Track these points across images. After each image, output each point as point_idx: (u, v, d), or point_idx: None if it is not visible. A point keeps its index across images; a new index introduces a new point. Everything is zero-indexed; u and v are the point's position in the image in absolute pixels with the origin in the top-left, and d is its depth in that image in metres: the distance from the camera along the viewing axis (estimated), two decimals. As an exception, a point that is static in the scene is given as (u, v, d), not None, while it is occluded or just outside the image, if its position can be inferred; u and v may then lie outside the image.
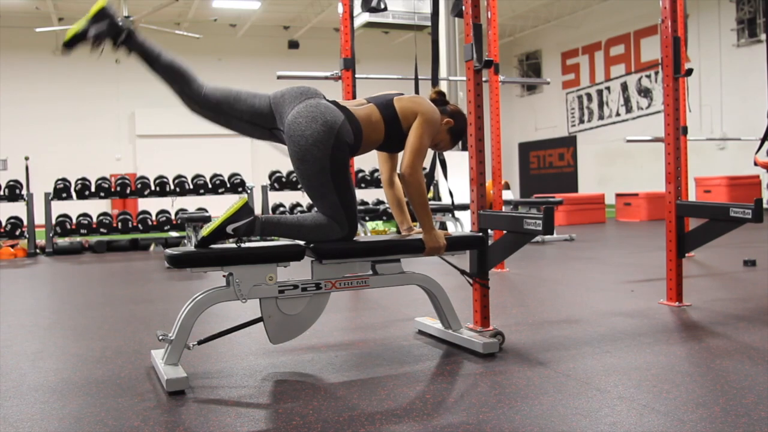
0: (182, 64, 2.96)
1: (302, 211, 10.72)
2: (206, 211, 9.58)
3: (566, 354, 3.16)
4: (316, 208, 3.09)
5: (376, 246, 3.24)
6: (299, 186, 10.80)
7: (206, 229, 2.96)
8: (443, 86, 9.65)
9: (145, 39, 2.90)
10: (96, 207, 10.89)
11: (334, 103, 3.10)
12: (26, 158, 10.71)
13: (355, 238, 3.17)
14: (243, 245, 2.97)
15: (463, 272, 3.53)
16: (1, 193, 9.87)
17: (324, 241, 3.07)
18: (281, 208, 11.07)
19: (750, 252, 6.33)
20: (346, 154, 3.03)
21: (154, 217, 10.34)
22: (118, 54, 2.92)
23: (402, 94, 3.28)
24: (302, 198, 10.87)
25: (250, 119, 3.05)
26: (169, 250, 2.93)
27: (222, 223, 2.93)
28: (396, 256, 3.27)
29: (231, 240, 3.01)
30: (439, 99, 3.44)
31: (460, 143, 7.75)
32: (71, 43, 2.82)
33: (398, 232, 3.59)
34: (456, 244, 3.32)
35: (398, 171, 3.27)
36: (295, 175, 10.71)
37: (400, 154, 3.28)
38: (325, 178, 2.97)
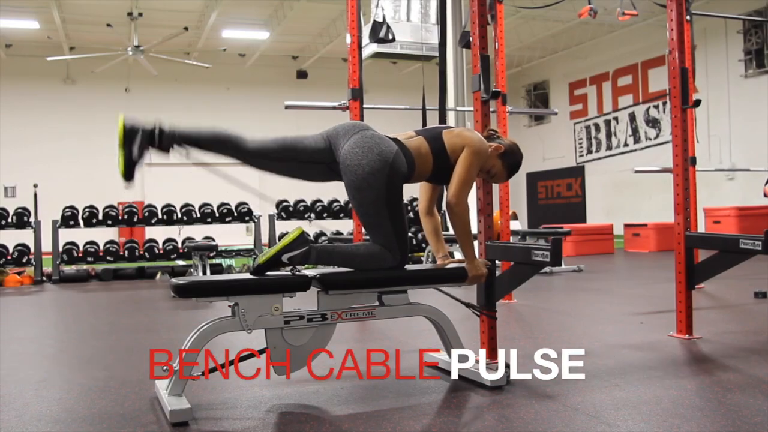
0: (225, 131, 3.03)
1: (325, 240, 10.73)
2: (213, 240, 9.58)
3: (574, 387, 3.11)
4: (369, 237, 3.16)
5: (419, 275, 3.36)
6: (306, 215, 10.81)
7: (262, 257, 3.01)
8: (451, 116, 9.67)
9: (176, 129, 2.95)
10: (103, 235, 10.87)
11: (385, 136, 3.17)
12: (35, 185, 10.72)
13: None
14: (297, 273, 3.03)
15: (468, 305, 3.50)
16: (10, 220, 9.88)
17: (377, 269, 3.12)
18: (322, 237, 11.07)
19: (760, 284, 6.26)
20: (401, 183, 3.11)
21: (160, 246, 10.33)
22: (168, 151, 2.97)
23: (451, 128, 3.35)
24: (310, 227, 10.85)
25: (311, 158, 3.10)
26: (175, 279, 2.92)
27: (278, 252, 2.98)
28: (438, 285, 3.37)
29: (286, 268, 3.05)
30: (492, 135, 3.49)
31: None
32: (129, 174, 2.92)
33: (434, 261, 3.60)
34: (463, 274, 3.29)
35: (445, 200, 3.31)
36: (301, 204, 10.76)
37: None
38: (381, 207, 3.04)
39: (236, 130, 3.04)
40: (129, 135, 2.87)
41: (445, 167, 3.23)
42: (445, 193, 3.56)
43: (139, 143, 2.86)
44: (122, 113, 2.95)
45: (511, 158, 3.43)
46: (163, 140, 2.90)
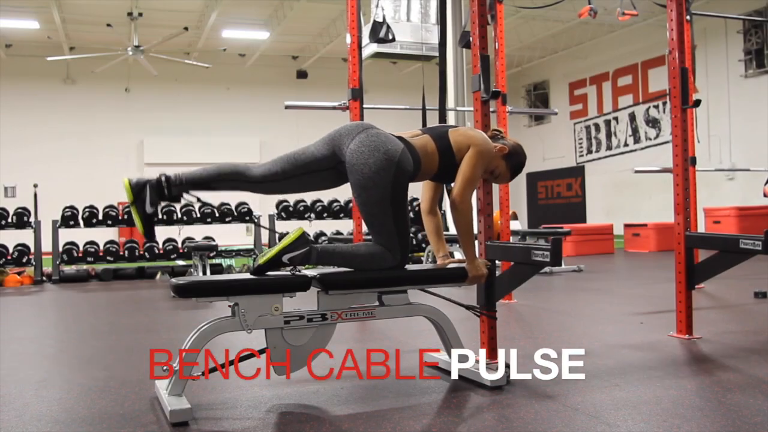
0: (229, 166, 3.07)
1: (325, 240, 10.73)
2: (213, 240, 9.57)
3: (574, 387, 3.11)
4: (371, 236, 3.15)
5: (419, 275, 3.35)
6: (306, 215, 10.80)
7: (262, 258, 3.01)
8: (451, 116, 9.67)
9: (182, 175, 3.00)
10: (103, 235, 10.87)
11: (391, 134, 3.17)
12: (35, 186, 10.71)
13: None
14: (297, 273, 3.03)
15: (468, 307, 3.51)
16: (10, 220, 9.88)
17: (377, 269, 3.11)
18: (322, 238, 11.07)
19: (760, 284, 6.26)
20: (406, 183, 3.11)
21: (160, 246, 10.33)
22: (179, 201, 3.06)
23: (456, 127, 3.36)
24: (310, 227, 10.85)
25: (318, 167, 3.12)
26: (174, 279, 2.92)
27: (278, 252, 2.98)
28: (438, 285, 3.36)
29: (286, 268, 3.05)
30: (496, 135, 3.50)
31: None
32: (149, 231, 2.98)
33: (434, 261, 3.61)
34: (463, 274, 3.29)
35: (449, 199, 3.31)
36: (301, 204, 10.76)
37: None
38: (386, 206, 3.04)
39: (238, 162, 3.08)
40: (137, 192, 2.93)
41: (451, 166, 3.23)
42: (445, 192, 3.57)
43: (149, 199, 2.92)
44: (124, 177, 3.03)
45: (515, 159, 3.44)
46: (171, 189, 2.95)
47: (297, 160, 3.09)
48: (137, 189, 2.92)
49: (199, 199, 3.07)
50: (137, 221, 2.94)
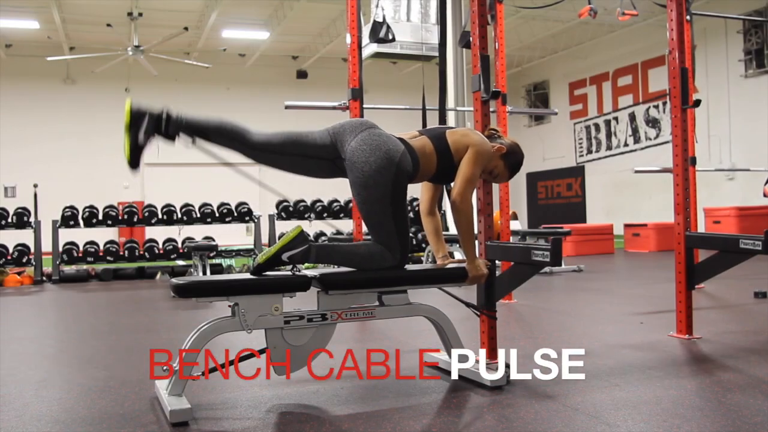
0: (231, 122, 3.01)
1: (325, 240, 10.73)
2: (213, 240, 9.57)
3: (575, 387, 3.11)
4: (371, 236, 3.16)
5: (419, 275, 3.37)
6: (306, 215, 10.80)
7: (262, 257, 3.02)
8: (451, 116, 9.67)
9: (183, 115, 2.93)
10: (103, 235, 10.87)
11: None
12: (35, 186, 10.72)
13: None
14: (298, 272, 3.04)
15: (468, 305, 3.51)
16: (10, 220, 9.88)
17: (376, 269, 3.12)
18: (322, 237, 11.07)
19: (760, 284, 6.26)
20: (406, 183, 3.12)
21: (160, 246, 10.32)
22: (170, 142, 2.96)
23: (454, 128, 3.37)
24: (310, 227, 10.84)
25: (315, 154, 3.10)
26: (175, 280, 2.92)
27: (278, 250, 2.99)
28: (438, 285, 3.37)
29: (286, 267, 3.05)
30: (493, 134, 3.51)
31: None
32: (134, 159, 2.89)
33: (434, 261, 3.61)
34: (463, 274, 3.29)
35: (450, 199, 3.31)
36: (301, 204, 10.76)
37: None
38: (385, 205, 3.04)
39: (242, 122, 3.04)
40: (135, 119, 2.85)
41: (449, 167, 3.24)
42: (445, 193, 3.57)
43: (145, 128, 2.85)
44: (129, 97, 2.94)
45: (513, 158, 3.44)
46: (169, 126, 2.88)
47: (298, 141, 3.07)
48: (137, 115, 2.85)
49: (193, 142, 2.97)
50: (125, 147, 2.86)
